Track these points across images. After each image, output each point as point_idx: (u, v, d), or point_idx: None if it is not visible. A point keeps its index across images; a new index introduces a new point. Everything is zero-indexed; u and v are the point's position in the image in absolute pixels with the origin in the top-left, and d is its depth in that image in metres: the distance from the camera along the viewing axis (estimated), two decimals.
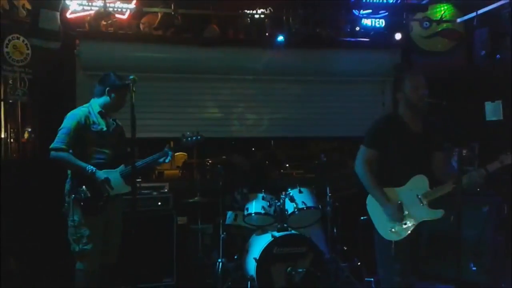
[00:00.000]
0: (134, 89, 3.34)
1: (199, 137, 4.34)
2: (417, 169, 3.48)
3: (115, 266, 4.10)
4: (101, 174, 3.88)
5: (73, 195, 3.83)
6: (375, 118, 3.82)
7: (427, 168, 3.54)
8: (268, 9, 6.21)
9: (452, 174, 3.51)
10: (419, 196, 3.44)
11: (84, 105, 4.12)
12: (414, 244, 3.47)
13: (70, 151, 3.87)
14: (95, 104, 4.09)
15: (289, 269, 4.64)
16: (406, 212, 3.43)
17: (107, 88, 4.05)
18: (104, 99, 4.08)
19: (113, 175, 3.98)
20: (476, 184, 3.32)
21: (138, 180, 5.35)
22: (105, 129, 4.04)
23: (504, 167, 3.31)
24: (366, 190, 3.55)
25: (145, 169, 4.50)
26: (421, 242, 3.58)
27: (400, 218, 3.40)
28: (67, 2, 5.49)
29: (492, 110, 6.07)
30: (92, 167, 3.86)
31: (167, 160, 4.23)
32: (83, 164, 3.86)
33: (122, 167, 4.04)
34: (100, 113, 4.06)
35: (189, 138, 4.29)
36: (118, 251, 4.12)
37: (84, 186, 3.84)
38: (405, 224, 3.41)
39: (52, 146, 3.87)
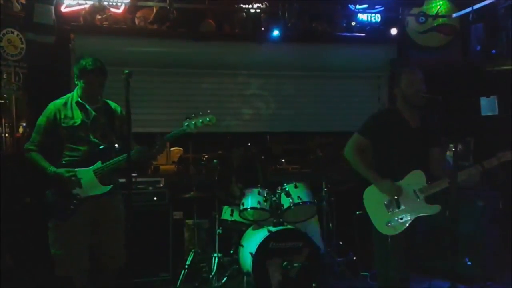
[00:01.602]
0: (129, 83, 3.22)
1: (208, 119, 3.80)
2: (414, 164, 3.48)
3: (119, 269, 3.78)
4: (63, 172, 3.54)
5: (41, 199, 3.62)
6: (371, 113, 3.83)
7: (424, 163, 3.55)
8: (264, 3, 6.21)
9: (447, 169, 3.52)
10: (416, 191, 3.45)
11: (67, 95, 3.78)
12: (411, 239, 3.48)
13: (44, 149, 3.65)
14: (75, 93, 3.73)
15: (285, 263, 4.65)
16: (403, 207, 3.43)
17: (76, 74, 3.68)
18: (79, 86, 3.70)
19: (86, 174, 3.59)
20: (472, 180, 3.33)
21: (134, 175, 5.32)
22: (78, 122, 3.63)
23: (501, 164, 3.33)
24: (358, 171, 3.56)
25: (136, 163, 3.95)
26: (418, 237, 3.58)
27: (398, 191, 3.41)
28: None
29: (487, 105, 6.09)
30: (53, 168, 3.56)
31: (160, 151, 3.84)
32: (46, 164, 3.58)
33: (98, 164, 3.63)
34: (77, 103, 3.69)
35: (193, 123, 3.77)
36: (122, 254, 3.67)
37: (51, 189, 3.59)
38: (401, 218, 3.42)
39: (24, 146, 3.71)
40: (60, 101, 3.72)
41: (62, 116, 3.64)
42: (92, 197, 3.61)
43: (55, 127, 3.63)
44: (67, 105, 3.68)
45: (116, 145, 3.81)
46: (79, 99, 3.69)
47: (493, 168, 3.36)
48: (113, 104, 3.89)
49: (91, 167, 3.61)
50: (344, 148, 3.67)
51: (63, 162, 3.62)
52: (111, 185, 3.65)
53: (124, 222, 3.72)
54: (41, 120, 3.68)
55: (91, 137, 3.66)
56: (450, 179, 3.29)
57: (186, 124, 3.79)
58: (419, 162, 3.50)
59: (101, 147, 3.67)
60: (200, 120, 3.79)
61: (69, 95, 3.77)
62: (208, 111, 3.88)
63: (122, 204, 3.78)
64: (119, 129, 3.82)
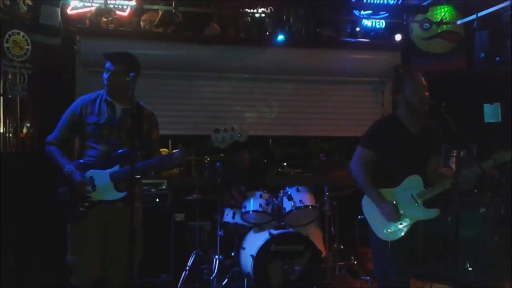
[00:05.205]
0: (133, 86, 3.19)
1: (239, 134, 3.37)
2: (412, 169, 3.47)
3: None
4: (77, 175, 3.30)
5: (55, 197, 3.41)
6: (374, 119, 3.83)
7: (423, 168, 3.54)
8: (269, 8, 6.24)
9: (448, 171, 3.53)
10: (414, 196, 3.44)
11: (98, 91, 3.56)
12: (411, 244, 3.47)
13: (65, 144, 3.49)
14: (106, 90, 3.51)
15: (286, 267, 4.65)
16: (401, 212, 3.43)
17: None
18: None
19: (101, 177, 3.35)
20: (469, 181, 3.33)
21: (137, 177, 5.32)
22: (102, 121, 3.42)
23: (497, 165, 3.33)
24: (361, 189, 3.56)
25: (145, 172, 3.69)
26: (418, 242, 3.58)
27: (396, 217, 3.40)
28: None
29: (491, 112, 6.08)
30: (71, 167, 3.33)
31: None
32: (64, 162, 3.37)
33: (116, 167, 3.38)
34: (106, 101, 3.48)
35: (222, 137, 3.36)
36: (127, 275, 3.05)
37: (64, 188, 3.36)
38: (401, 224, 3.41)
39: (46, 139, 3.50)
40: (91, 95, 3.54)
41: (88, 112, 3.45)
42: (104, 202, 3.37)
43: (80, 122, 3.45)
44: (96, 102, 3.49)
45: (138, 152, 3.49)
46: (108, 97, 3.49)
47: (494, 173, 3.37)
48: (146, 108, 3.64)
49: (108, 170, 3.36)
50: (350, 162, 3.64)
51: (81, 161, 3.42)
52: (126, 192, 3.36)
53: (141, 236, 3.39)
54: (67, 114, 3.50)
55: (113, 138, 3.44)
56: (452, 185, 3.30)
57: (214, 137, 3.38)
58: (418, 168, 3.49)
59: (121, 150, 3.41)
60: (230, 135, 3.38)
61: (100, 91, 3.55)
62: (233, 125, 3.43)
63: (140, 213, 3.51)
64: (146, 134, 3.58)
